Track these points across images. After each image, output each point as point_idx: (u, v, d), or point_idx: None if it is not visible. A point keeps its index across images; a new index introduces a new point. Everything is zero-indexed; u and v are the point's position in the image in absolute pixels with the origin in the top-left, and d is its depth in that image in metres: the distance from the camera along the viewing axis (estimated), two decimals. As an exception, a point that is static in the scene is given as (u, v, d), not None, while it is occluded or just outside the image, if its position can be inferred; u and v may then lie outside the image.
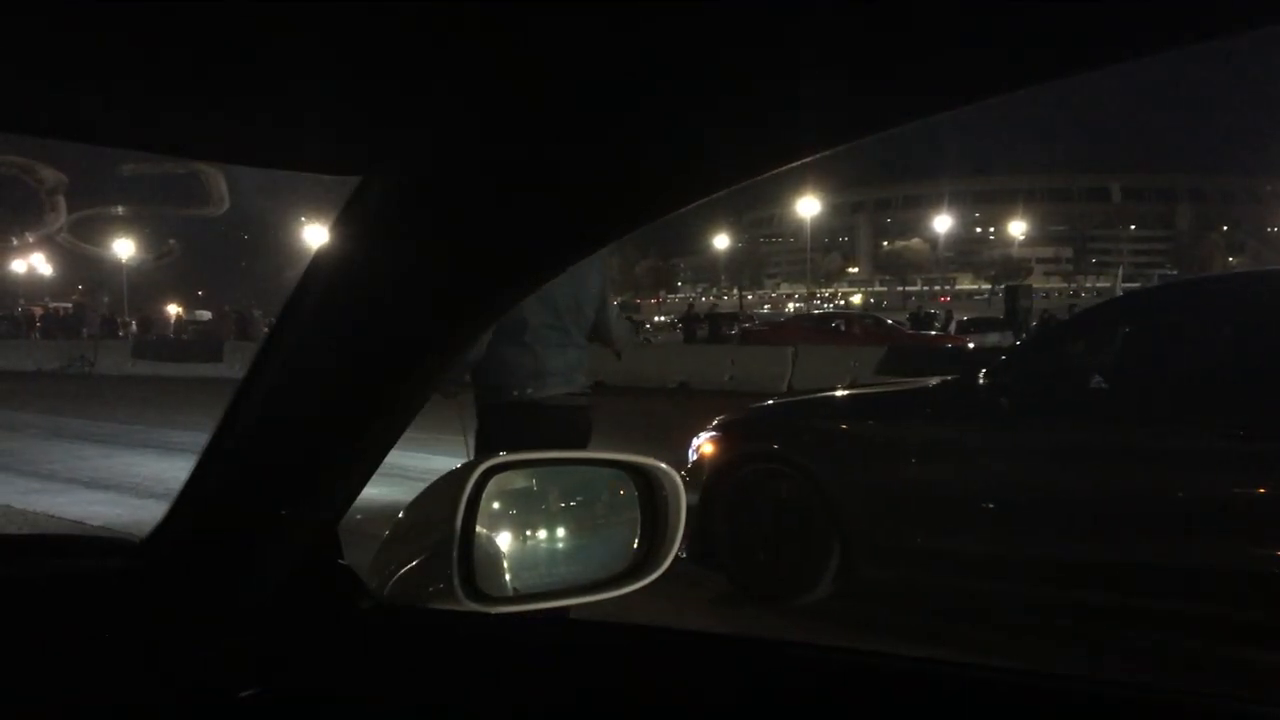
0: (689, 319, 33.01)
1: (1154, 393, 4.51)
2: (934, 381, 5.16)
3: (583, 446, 3.46)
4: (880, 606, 4.99)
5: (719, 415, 5.56)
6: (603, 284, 3.81)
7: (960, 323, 34.53)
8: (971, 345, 24.35)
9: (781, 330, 30.81)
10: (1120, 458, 4.30)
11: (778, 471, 5.14)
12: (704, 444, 5.32)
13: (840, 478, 4.92)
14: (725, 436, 5.33)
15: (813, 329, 28.78)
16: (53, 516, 6.96)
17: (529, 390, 3.49)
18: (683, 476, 4.66)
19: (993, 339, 26.72)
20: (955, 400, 4.87)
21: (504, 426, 3.48)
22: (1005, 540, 4.48)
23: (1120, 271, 38.08)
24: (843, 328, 28.81)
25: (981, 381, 4.72)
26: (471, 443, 3.59)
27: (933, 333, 30.72)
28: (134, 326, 37.37)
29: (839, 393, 5.89)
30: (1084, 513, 4.29)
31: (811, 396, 6.16)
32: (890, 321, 32.56)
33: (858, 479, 4.90)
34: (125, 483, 8.49)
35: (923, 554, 4.65)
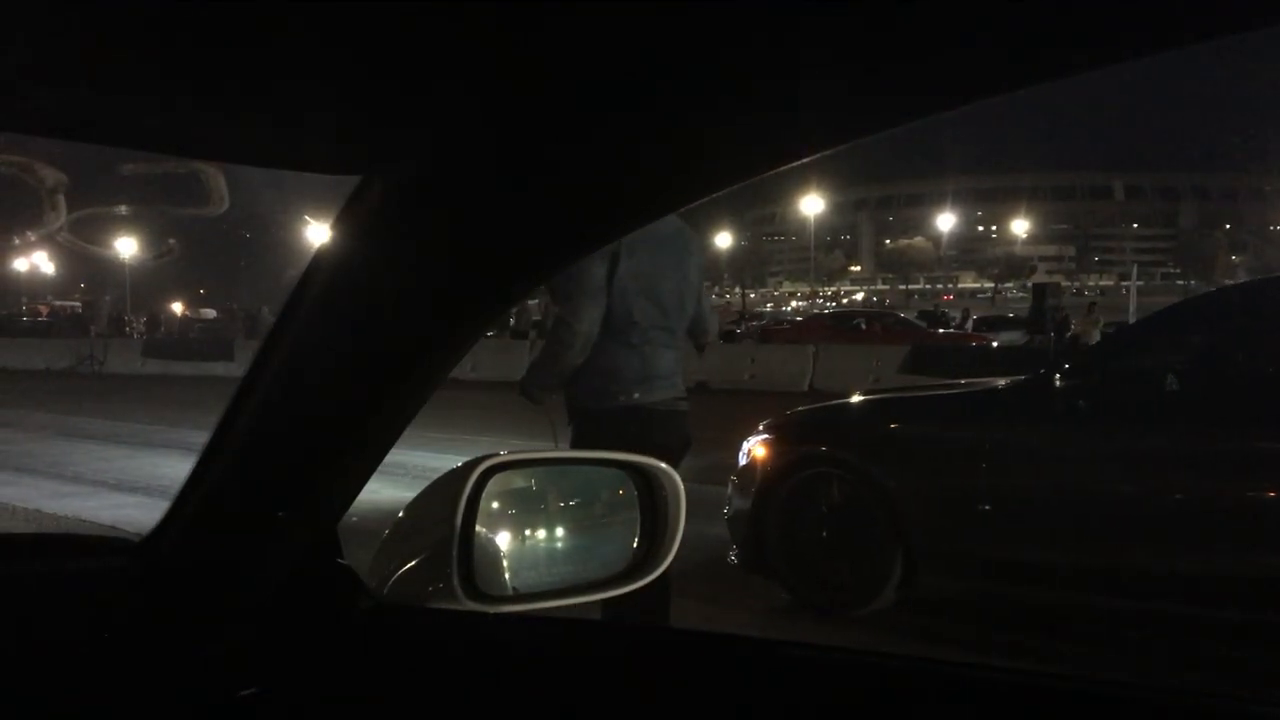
0: None
1: (1242, 395, 4.32)
2: (1003, 382, 4.99)
3: (684, 455, 3.33)
4: (946, 618, 4.74)
5: (767, 417, 5.34)
6: (701, 274, 3.63)
7: (975, 321, 34.05)
8: (995, 344, 23.91)
9: (801, 329, 30.28)
10: (1207, 464, 4.13)
11: (836, 476, 4.93)
12: (755, 447, 5.08)
13: (905, 483, 4.69)
14: (779, 439, 5.11)
15: (834, 327, 28.17)
16: (84, 520, 6.83)
17: (635, 395, 3.29)
18: (732, 480, 4.58)
19: (1007, 337, 26.36)
20: (1030, 402, 4.67)
21: (607, 434, 3.23)
22: (1081, 549, 4.29)
23: (1134, 270, 37.80)
24: (863, 326, 28.22)
25: (1058, 383, 4.52)
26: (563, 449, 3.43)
27: (962, 331, 30.22)
28: (142, 325, 37.35)
29: (901, 394, 5.68)
30: (1166, 521, 4.14)
31: (871, 398, 5.92)
32: (915, 318, 32.02)
33: (924, 484, 4.67)
34: (153, 484, 8.35)
35: (993, 563, 4.45)
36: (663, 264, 3.33)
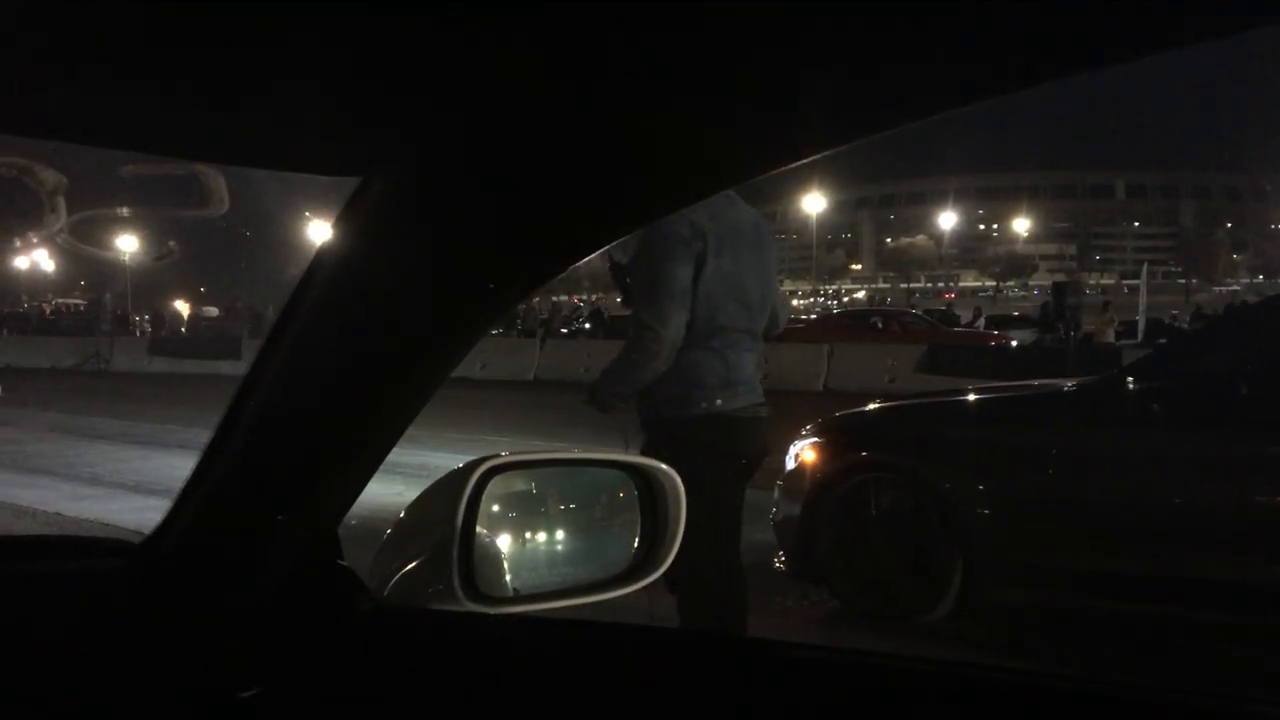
0: None
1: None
2: (1070, 384, 4.82)
3: (760, 464, 3.21)
4: (1007, 628, 4.54)
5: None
6: (776, 264, 3.43)
7: (987, 320, 33.45)
8: (1015, 343, 23.50)
9: (819, 327, 29.25)
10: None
11: (891, 481, 4.75)
12: (804, 450, 4.89)
13: (966, 489, 4.48)
14: (829, 443, 4.92)
15: (851, 326, 27.31)
16: (108, 525, 6.66)
17: (718, 402, 3.09)
18: (779, 484, 4.47)
19: (1018, 336, 26.09)
20: (1100, 404, 4.46)
21: (685, 444, 3.00)
22: (1152, 558, 4.12)
23: (1144, 269, 37.61)
24: (880, 324, 27.45)
25: (1130, 385, 4.34)
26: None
27: (978, 330, 29.63)
28: (147, 324, 37.26)
29: (959, 397, 5.47)
30: (1243, 530, 3.97)
31: (927, 400, 5.76)
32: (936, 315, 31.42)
33: (986, 490, 4.46)
34: (174, 486, 7.93)
35: (1059, 572, 4.27)
36: (747, 261, 3.17)
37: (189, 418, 12.43)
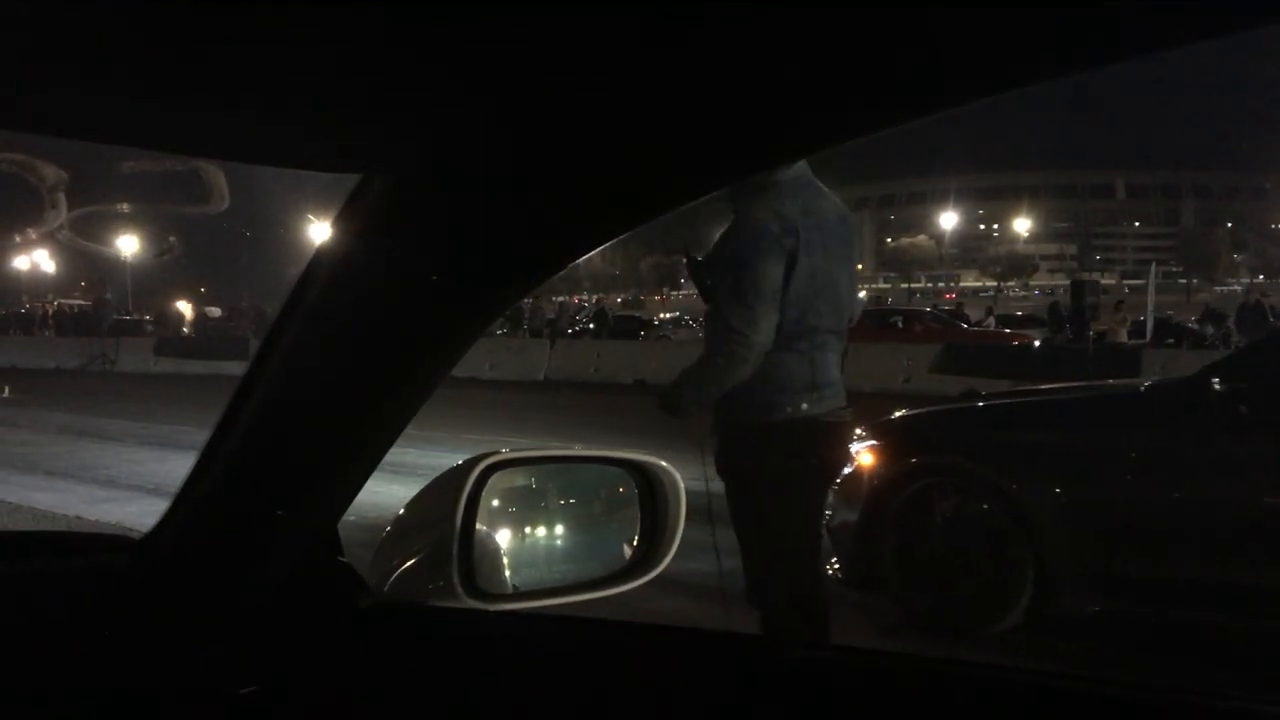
0: None
1: None
2: (1147, 384, 4.65)
3: (843, 469, 3.10)
4: (1083, 639, 4.30)
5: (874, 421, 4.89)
6: (859, 259, 3.35)
7: (997, 319, 32.97)
8: (1038, 344, 23.00)
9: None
10: None
11: (958, 486, 4.54)
12: (862, 453, 4.64)
13: (1039, 494, 4.28)
14: (889, 446, 4.71)
15: (872, 325, 26.94)
16: (131, 529, 6.37)
17: (804, 406, 2.92)
18: (833, 488, 3.98)
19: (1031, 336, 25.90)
20: (1181, 407, 4.25)
21: (768, 451, 2.90)
22: (1237, 566, 3.93)
23: (1153, 269, 37.46)
24: (901, 324, 26.62)
25: (1216, 386, 4.11)
26: (709, 468, 2.98)
27: (1000, 330, 29.17)
28: (150, 323, 37.14)
29: (1029, 398, 5.29)
30: None
31: (995, 402, 5.53)
32: (962, 315, 30.63)
33: (1061, 496, 4.25)
34: None
35: (1138, 581, 4.07)
36: (836, 258, 2.99)
37: (201, 419, 12.39)
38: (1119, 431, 4.31)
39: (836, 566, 4.62)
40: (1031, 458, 4.42)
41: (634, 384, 18.55)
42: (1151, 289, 28.94)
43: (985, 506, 4.46)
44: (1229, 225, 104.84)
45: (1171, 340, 23.21)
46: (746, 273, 2.84)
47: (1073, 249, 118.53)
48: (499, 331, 23.88)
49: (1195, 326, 27.77)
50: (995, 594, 4.35)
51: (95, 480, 8.56)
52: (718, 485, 3.09)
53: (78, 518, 6.91)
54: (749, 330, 2.82)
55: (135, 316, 39.96)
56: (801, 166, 2.93)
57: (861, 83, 0.63)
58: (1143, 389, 4.66)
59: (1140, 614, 4.15)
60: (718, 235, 3.01)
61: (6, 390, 16.40)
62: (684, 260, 3.19)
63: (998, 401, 5.54)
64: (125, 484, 8.37)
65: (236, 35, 0.66)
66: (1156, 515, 4.10)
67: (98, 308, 35.54)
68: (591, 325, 30.46)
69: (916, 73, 0.61)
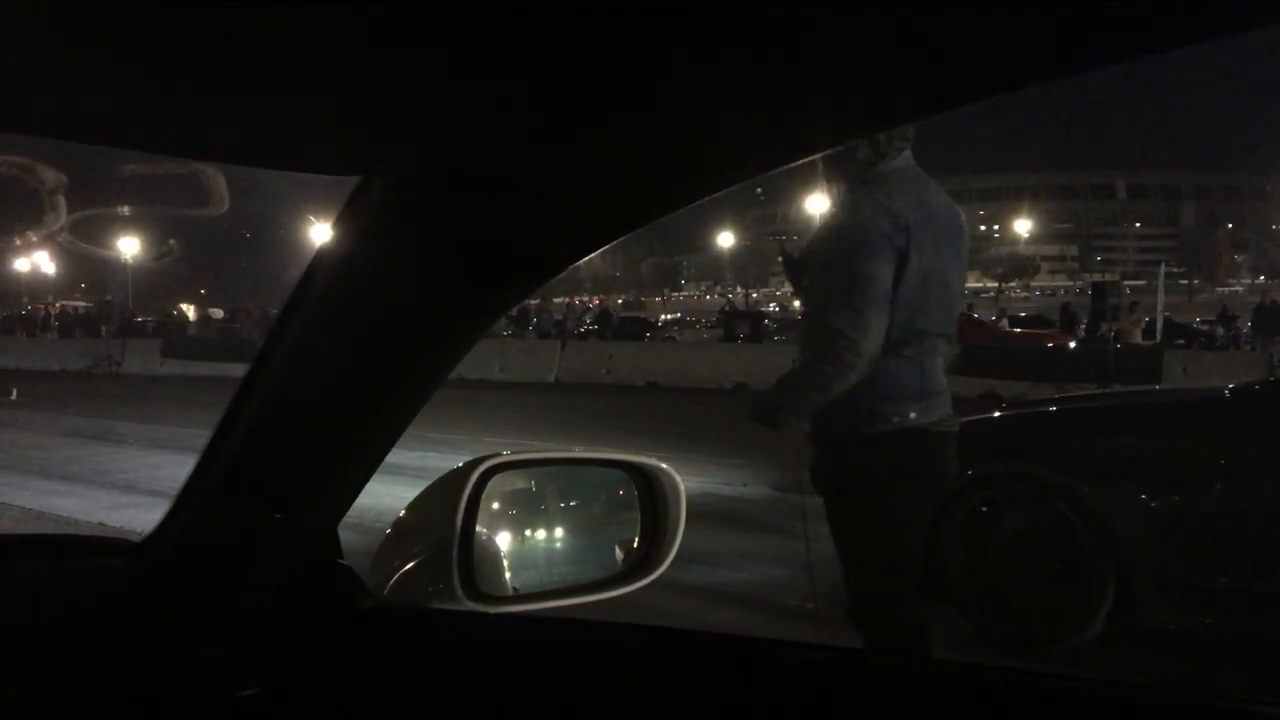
0: (730, 316, 31.46)
1: None
2: (1231, 387, 4.49)
3: (948, 482, 2.93)
4: (1166, 654, 4.13)
5: None
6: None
7: (1010, 320, 32.92)
8: (1073, 344, 22.40)
9: None
10: None
11: (1033, 494, 4.30)
12: None
13: (1121, 503, 4.06)
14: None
15: None
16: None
17: (912, 415, 2.71)
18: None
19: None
20: (1273, 410, 4.08)
21: (871, 464, 2.71)
22: None
23: (1161, 269, 37.21)
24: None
25: None
26: (804, 480, 2.87)
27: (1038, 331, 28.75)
28: (151, 325, 37.05)
29: (1106, 402, 5.02)
30: None
31: (1070, 406, 5.30)
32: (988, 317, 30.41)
33: (1144, 504, 4.04)
34: None
35: (1230, 595, 3.84)
36: (946, 256, 2.76)
37: (213, 422, 12.38)
38: (1207, 436, 4.13)
39: None
40: (1112, 465, 4.21)
41: (647, 386, 18.59)
42: (1161, 290, 28.86)
43: (1061, 516, 4.20)
44: (1229, 226, 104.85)
45: (1181, 341, 23.10)
46: (855, 273, 2.64)
47: (1074, 250, 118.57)
48: (504, 333, 23.84)
49: (1206, 327, 27.69)
50: (1072, 607, 4.15)
51: (114, 485, 8.38)
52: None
53: (100, 524, 6.77)
54: (858, 335, 2.61)
55: (142, 319, 39.91)
56: (908, 157, 2.77)
57: (862, 83, 0.62)
58: (1228, 392, 4.46)
59: (1230, 629, 3.96)
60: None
61: (14, 393, 16.33)
62: (779, 257, 3.05)
63: (1072, 406, 5.33)
64: (145, 489, 8.17)
65: (236, 36, 0.66)
66: (1249, 525, 3.90)
67: (101, 309, 35.50)
68: (595, 326, 30.42)
69: (916, 73, 0.61)
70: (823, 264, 2.80)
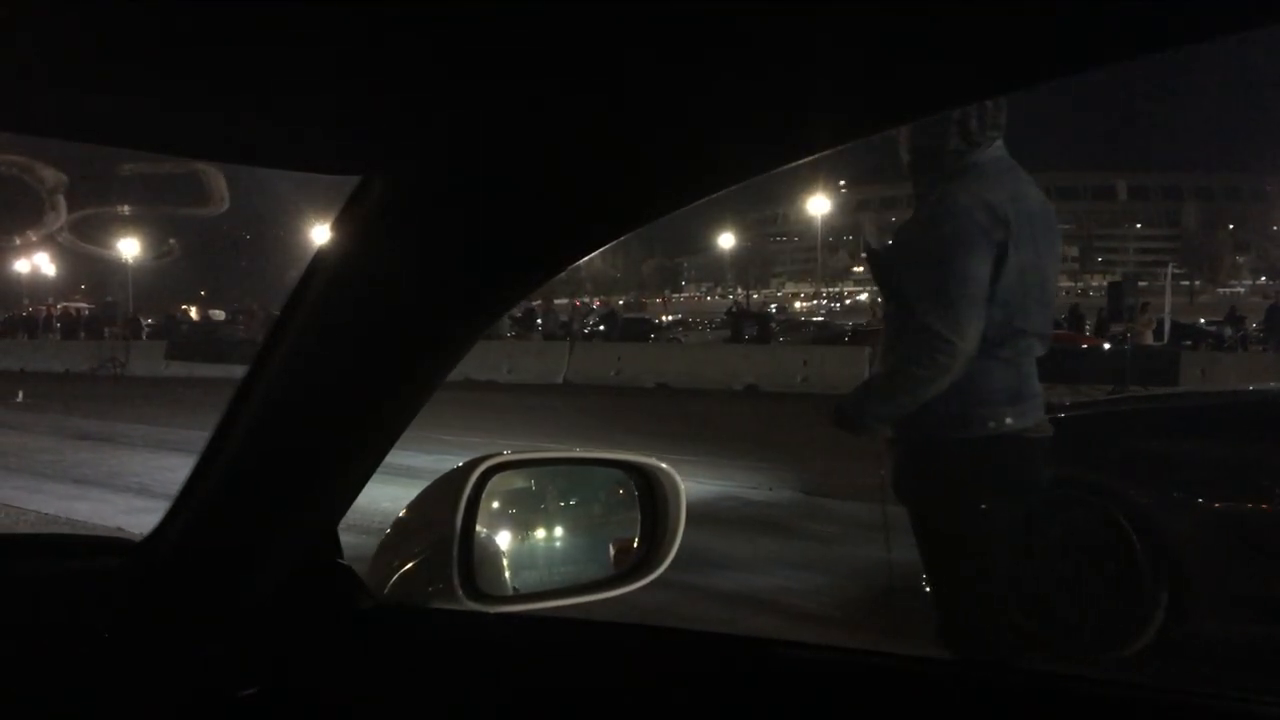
0: (737, 316, 31.00)
1: None
2: None
3: (1040, 491, 2.82)
4: (1218, 666, 3.98)
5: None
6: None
7: None
8: (1108, 346, 22.27)
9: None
10: None
11: (1080, 499, 4.18)
12: None
13: (1175, 509, 3.93)
14: None
15: None
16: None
17: (1007, 419, 2.57)
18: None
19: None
20: None
21: (963, 470, 2.57)
22: None
23: (1169, 269, 37.10)
24: None
25: None
26: (888, 490, 2.75)
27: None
28: (152, 326, 36.95)
29: (1159, 404, 4.84)
30: None
31: (1121, 408, 5.14)
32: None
33: (1203, 511, 3.91)
34: None
35: None
36: (1044, 251, 2.64)
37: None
38: (1264, 439, 4.00)
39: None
40: (1167, 468, 4.06)
41: (656, 387, 18.50)
42: (1169, 291, 28.83)
43: (1111, 522, 4.07)
44: (1230, 227, 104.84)
45: (1189, 343, 23.05)
46: (952, 269, 2.49)
47: (1074, 250, 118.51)
48: (509, 335, 23.80)
49: (1213, 328, 27.60)
50: (1121, 616, 4.03)
51: (128, 489, 8.25)
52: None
53: (119, 529, 6.66)
54: (954, 336, 2.46)
55: (147, 320, 39.86)
56: (1000, 146, 2.62)
57: (862, 83, 0.62)
58: None
59: None
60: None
61: (21, 395, 16.27)
62: (862, 252, 2.97)
63: (1124, 408, 5.18)
64: (160, 492, 7.95)
65: (236, 36, 0.66)
66: None
67: (105, 310, 35.45)
68: (602, 327, 30.29)
69: (916, 73, 0.61)
70: (914, 259, 2.64)
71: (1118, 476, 4.14)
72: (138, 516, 7.00)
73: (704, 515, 6.61)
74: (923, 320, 2.51)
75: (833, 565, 5.45)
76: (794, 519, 6.76)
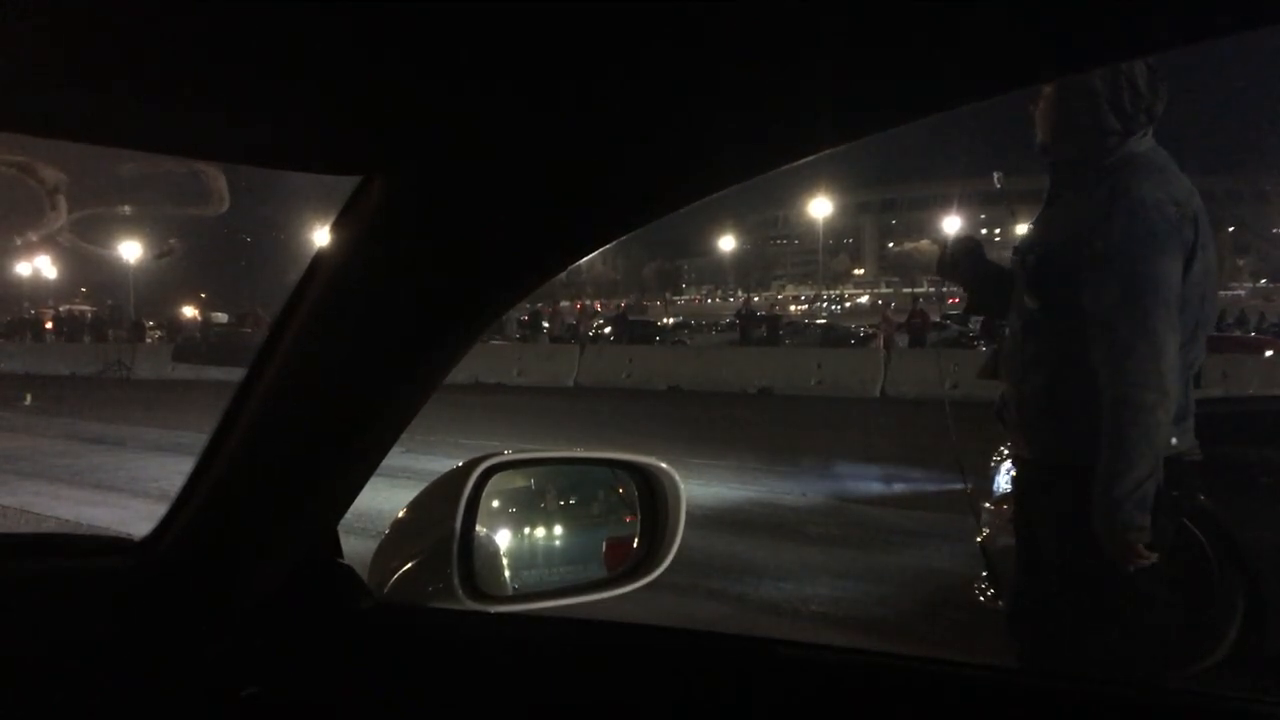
0: (746, 319, 30.89)
1: None
2: None
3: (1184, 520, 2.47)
4: None
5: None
6: None
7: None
8: None
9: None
10: None
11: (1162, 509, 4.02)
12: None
13: (1252, 515, 3.74)
14: None
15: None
16: None
17: (1173, 440, 2.22)
18: (987, 507, 3.73)
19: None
20: None
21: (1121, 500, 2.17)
22: None
23: None
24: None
25: None
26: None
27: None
28: (154, 328, 36.85)
29: (1229, 407, 4.59)
30: None
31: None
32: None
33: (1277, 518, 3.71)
34: None
35: None
36: (1212, 253, 2.29)
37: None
38: None
39: (990, 593, 3.86)
40: (1243, 474, 3.83)
41: (668, 390, 18.44)
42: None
43: (1183, 531, 3.76)
44: (1230, 230, 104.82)
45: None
46: (1148, 273, 2.15)
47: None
48: (515, 336, 23.75)
49: (1217, 331, 27.52)
50: (1196, 628, 3.80)
51: (148, 494, 8.06)
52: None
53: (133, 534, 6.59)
54: (1155, 356, 2.12)
55: (149, 323, 39.78)
56: (1152, 139, 2.32)
57: (862, 83, 0.63)
58: None
59: None
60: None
61: (29, 398, 16.19)
62: (947, 260, 2.59)
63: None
64: None
65: (236, 36, 0.66)
66: None
67: (109, 313, 35.37)
68: (608, 329, 30.17)
69: (917, 73, 0.61)
70: (1092, 263, 2.23)
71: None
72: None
73: (740, 522, 6.58)
74: (1115, 341, 2.16)
75: (881, 574, 5.41)
76: (832, 526, 6.71)
